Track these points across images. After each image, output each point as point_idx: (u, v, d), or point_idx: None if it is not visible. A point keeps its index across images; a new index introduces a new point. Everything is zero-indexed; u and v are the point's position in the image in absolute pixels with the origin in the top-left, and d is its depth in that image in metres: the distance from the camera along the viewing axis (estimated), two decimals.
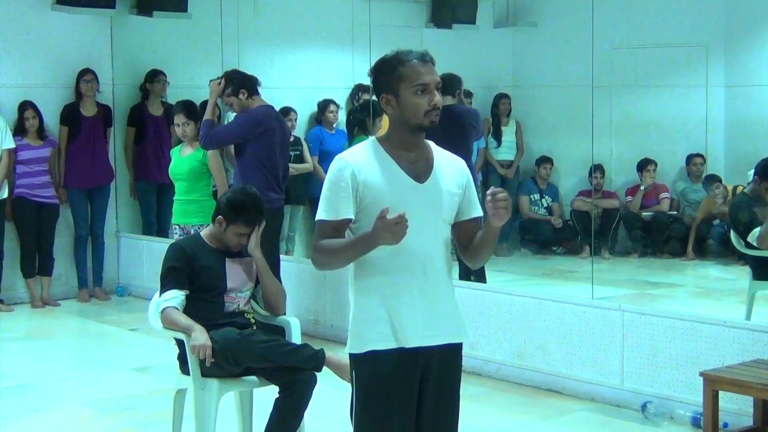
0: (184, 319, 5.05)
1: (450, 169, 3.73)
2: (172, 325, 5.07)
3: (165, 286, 5.16)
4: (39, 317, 9.71)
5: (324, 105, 10.73)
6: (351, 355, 3.68)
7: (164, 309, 5.11)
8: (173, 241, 7.09)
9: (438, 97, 3.60)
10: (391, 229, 3.40)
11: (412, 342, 3.60)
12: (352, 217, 3.60)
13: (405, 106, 3.59)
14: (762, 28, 10.42)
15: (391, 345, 3.60)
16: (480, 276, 7.73)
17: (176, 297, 5.11)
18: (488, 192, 3.52)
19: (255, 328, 5.22)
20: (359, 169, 3.58)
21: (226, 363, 4.97)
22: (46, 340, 8.84)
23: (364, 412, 3.64)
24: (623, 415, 6.24)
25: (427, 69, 3.60)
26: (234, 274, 5.25)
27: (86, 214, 10.26)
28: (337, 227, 3.60)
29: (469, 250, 3.79)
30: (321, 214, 3.61)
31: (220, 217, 5.29)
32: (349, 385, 3.75)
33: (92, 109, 10.21)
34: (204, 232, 5.40)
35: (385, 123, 7.96)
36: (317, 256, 3.64)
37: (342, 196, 3.57)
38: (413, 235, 3.54)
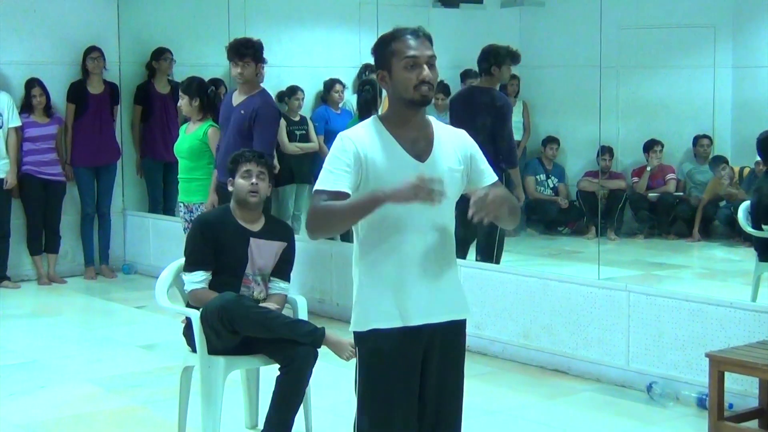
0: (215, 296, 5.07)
1: (450, 144, 3.72)
2: (202, 303, 5.07)
3: (192, 264, 5.15)
4: (45, 294, 9.74)
5: (330, 84, 10.72)
6: (355, 333, 3.70)
7: (192, 290, 5.10)
8: (177, 219, 7.11)
9: (427, 71, 3.57)
10: (425, 189, 3.38)
11: (415, 320, 3.62)
12: (349, 192, 3.56)
13: (396, 80, 3.60)
14: None
15: (394, 324, 3.61)
16: (490, 257, 7.72)
17: (204, 279, 5.13)
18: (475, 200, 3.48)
19: None
20: (362, 147, 3.58)
21: (221, 327, 4.93)
22: (53, 317, 8.87)
23: (366, 388, 3.67)
24: (629, 396, 6.25)
25: (418, 43, 3.59)
26: (256, 254, 5.21)
27: (93, 192, 10.28)
28: (335, 197, 3.55)
29: None
30: (318, 185, 3.58)
31: (230, 179, 5.31)
32: (350, 363, 3.76)
33: (99, 87, 10.20)
34: (231, 205, 5.33)
35: (386, 102, 7.96)
36: (312, 220, 3.55)
37: (342, 170, 3.56)
38: (416, 214, 3.58)
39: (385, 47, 3.62)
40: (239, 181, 5.24)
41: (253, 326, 4.95)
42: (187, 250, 5.22)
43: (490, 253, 7.68)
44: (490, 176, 3.78)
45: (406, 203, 3.43)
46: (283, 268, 5.34)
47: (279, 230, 5.37)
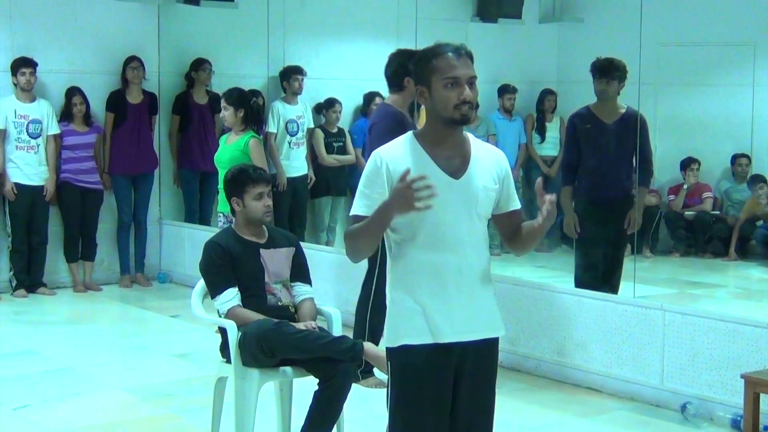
0: (256, 315, 5.10)
1: (487, 163, 3.72)
2: (242, 321, 5.08)
3: (218, 287, 5.16)
4: (81, 302, 9.79)
5: (370, 97, 10.75)
6: (387, 348, 3.70)
7: (229, 309, 5.13)
8: (216, 229, 7.13)
9: (468, 91, 3.57)
10: (404, 193, 3.37)
11: (446, 337, 3.62)
12: None
13: (436, 98, 3.60)
14: None
15: (425, 340, 3.61)
16: (614, 287, 7.39)
17: (236, 295, 5.15)
18: (547, 199, 3.57)
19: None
20: (395, 165, 3.58)
21: (260, 353, 4.98)
22: (88, 325, 8.92)
23: (398, 403, 3.67)
24: (663, 415, 6.21)
25: (461, 62, 3.58)
26: (269, 262, 5.25)
27: (130, 201, 10.33)
28: None
29: (514, 242, 3.80)
30: (355, 209, 3.63)
31: (234, 198, 5.33)
32: (386, 376, 3.77)
33: (138, 97, 10.26)
34: (234, 225, 5.41)
35: (423, 116, 7.95)
36: (346, 245, 3.64)
37: (377, 192, 3.58)
38: (448, 231, 3.60)
39: (426, 63, 3.61)
40: (253, 203, 5.28)
41: (293, 351, 4.98)
42: (209, 276, 5.22)
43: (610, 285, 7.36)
44: (515, 202, 3.79)
45: (401, 211, 3.42)
46: (300, 272, 5.38)
47: (283, 239, 5.44)
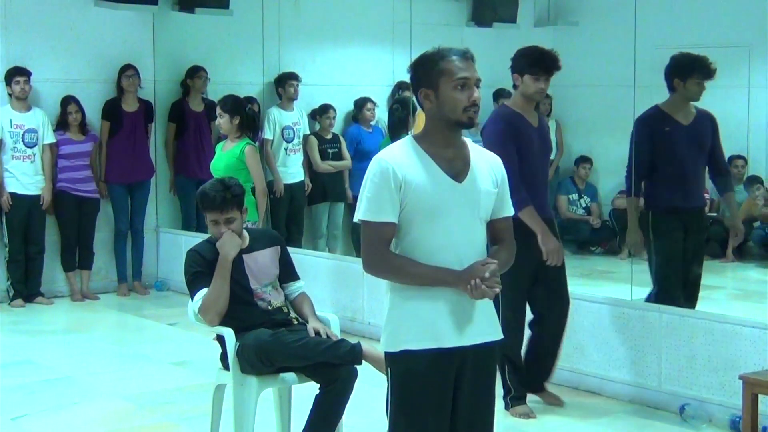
0: (214, 286, 5.07)
1: (486, 167, 3.73)
2: (211, 305, 5.06)
3: (193, 290, 5.16)
4: (78, 311, 9.78)
5: (361, 102, 10.75)
6: (386, 353, 3.70)
7: (199, 306, 5.12)
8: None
9: (477, 94, 3.59)
10: (475, 284, 3.47)
11: (447, 342, 3.62)
12: (395, 221, 3.60)
13: (444, 100, 3.60)
14: None
15: (426, 345, 3.61)
16: (691, 298, 6.89)
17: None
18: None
19: (297, 322, 5.23)
20: (399, 168, 3.59)
21: (259, 363, 4.97)
22: (86, 334, 8.91)
23: (398, 409, 3.67)
24: (661, 417, 6.20)
25: (467, 65, 3.61)
26: (254, 268, 5.21)
27: (126, 209, 10.33)
28: (387, 231, 3.61)
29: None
30: (363, 214, 3.62)
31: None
32: (382, 383, 3.76)
33: (134, 105, 10.26)
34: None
35: (419, 120, 7.91)
36: (379, 270, 3.65)
37: (385, 198, 3.58)
38: (450, 235, 3.60)
39: (432, 66, 3.61)
40: (210, 227, 5.22)
41: (292, 359, 4.97)
42: (187, 283, 5.22)
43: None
44: (509, 208, 3.80)
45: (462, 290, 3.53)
46: (288, 271, 5.36)
47: (265, 238, 5.39)
